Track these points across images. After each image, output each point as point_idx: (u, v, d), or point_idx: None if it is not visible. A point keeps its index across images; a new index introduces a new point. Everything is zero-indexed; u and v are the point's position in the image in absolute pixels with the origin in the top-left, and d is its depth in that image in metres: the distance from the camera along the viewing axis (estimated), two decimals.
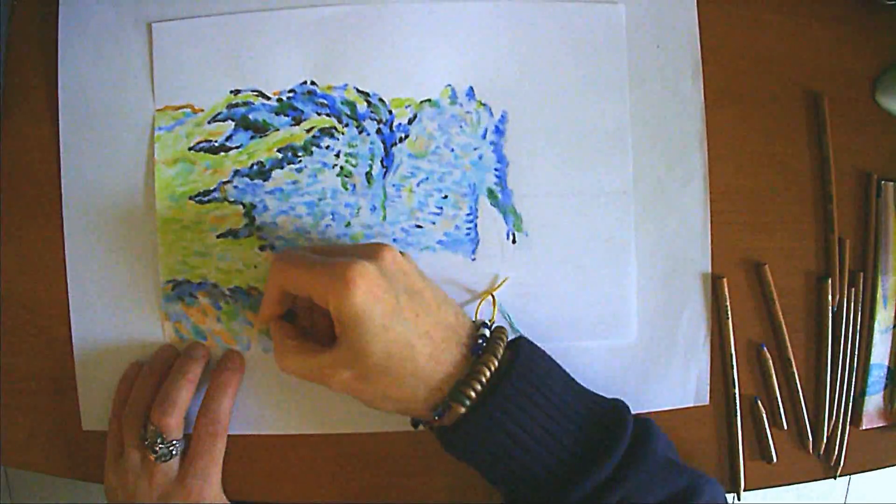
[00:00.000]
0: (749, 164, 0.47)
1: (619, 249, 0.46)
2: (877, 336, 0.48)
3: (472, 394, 0.37)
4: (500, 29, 0.45)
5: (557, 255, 0.46)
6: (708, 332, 0.47)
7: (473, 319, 0.41)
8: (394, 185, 0.45)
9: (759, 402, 0.47)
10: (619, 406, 0.40)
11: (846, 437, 0.47)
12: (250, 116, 0.45)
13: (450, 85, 0.45)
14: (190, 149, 0.45)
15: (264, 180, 0.45)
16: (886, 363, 0.48)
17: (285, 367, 0.39)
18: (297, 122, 0.45)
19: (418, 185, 0.45)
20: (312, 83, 0.45)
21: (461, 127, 0.45)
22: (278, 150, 0.45)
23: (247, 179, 0.45)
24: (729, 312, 0.46)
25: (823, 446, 0.47)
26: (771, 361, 0.47)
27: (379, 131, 0.45)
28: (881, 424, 0.48)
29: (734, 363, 0.47)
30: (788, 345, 0.47)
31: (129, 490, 0.42)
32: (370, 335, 0.35)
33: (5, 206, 0.46)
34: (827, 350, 0.47)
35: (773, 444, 0.47)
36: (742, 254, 0.47)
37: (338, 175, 0.45)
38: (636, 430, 0.38)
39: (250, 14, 0.45)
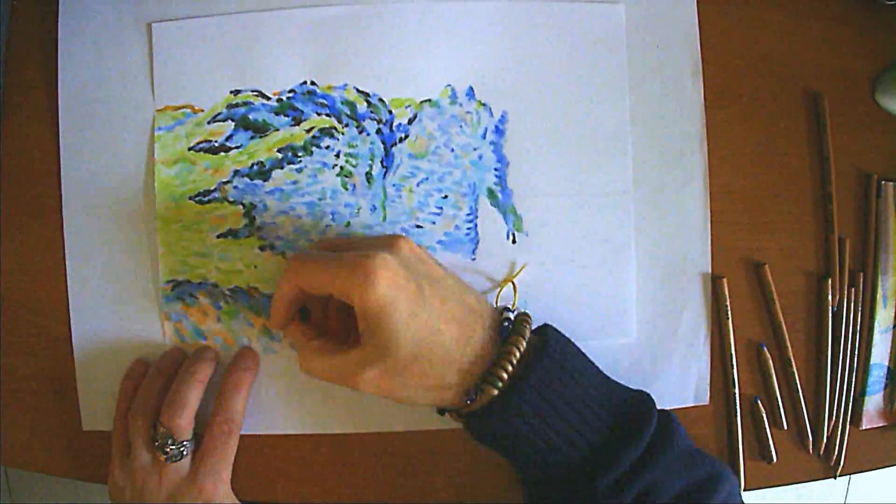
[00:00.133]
0: (749, 164, 0.47)
1: (619, 249, 0.46)
2: (877, 336, 0.48)
3: (504, 375, 0.37)
4: (500, 29, 0.45)
5: (557, 255, 0.46)
6: (708, 331, 0.47)
7: (495, 306, 0.41)
8: (394, 185, 0.45)
9: (759, 402, 0.47)
10: (645, 396, 0.40)
11: (846, 437, 0.47)
12: (250, 116, 0.45)
13: (450, 85, 0.45)
14: (190, 149, 0.45)
15: (264, 180, 0.45)
16: (886, 363, 0.48)
17: (311, 369, 0.39)
18: (297, 122, 0.45)
19: (418, 185, 0.45)
20: (312, 83, 0.45)
21: (461, 127, 0.45)
22: (278, 151, 0.45)
23: (247, 179, 0.45)
24: (729, 312, 0.46)
25: (823, 446, 0.47)
26: (771, 361, 0.47)
27: (379, 131, 0.45)
28: (881, 424, 0.48)
29: (734, 363, 0.47)
30: (788, 345, 0.47)
31: (138, 489, 0.42)
32: (398, 325, 0.35)
33: (5, 206, 0.46)
34: (827, 350, 0.47)
35: (773, 444, 0.47)
36: (742, 254, 0.47)
37: (338, 175, 0.45)
38: (661, 421, 0.39)
39: (250, 14, 0.45)
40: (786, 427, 0.47)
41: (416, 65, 0.45)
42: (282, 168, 0.45)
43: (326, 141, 0.45)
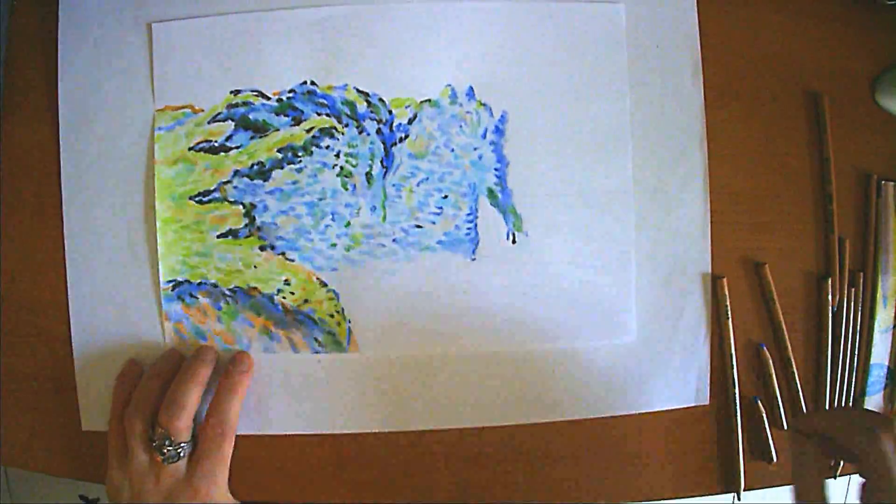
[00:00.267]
0: (749, 164, 0.47)
1: (619, 249, 0.46)
2: (877, 336, 0.48)
3: None
4: (500, 29, 0.45)
5: (557, 255, 0.46)
6: (708, 332, 0.47)
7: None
8: (394, 185, 0.45)
9: (759, 402, 0.47)
10: None
11: None
12: (250, 116, 0.45)
13: (450, 85, 0.45)
14: (190, 149, 0.45)
15: (264, 180, 0.45)
16: (886, 363, 0.48)
17: None
18: (297, 122, 0.45)
19: (418, 185, 0.45)
20: (312, 83, 0.45)
21: (461, 127, 0.45)
22: (278, 150, 0.45)
23: (247, 179, 0.45)
24: (729, 312, 0.46)
25: None
26: (771, 361, 0.47)
27: (379, 131, 0.45)
28: None
29: (734, 363, 0.47)
30: (788, 345, 0.47)
31: (136, 489, 0.42)
32: None
33: (5, 206, 0.46)
34: (827, 350, 0.47)
35: (773, 444, 0.47)
36: (742, 254, 0.47)
37: (338, 175, 0.45)
38: None
39: (250, 14, 0.45)
40: (785, 427, 0.47)
41: (416, 65, 0.45)
42: (282, 168, 0.45)
43: (326, 141, 0.45)
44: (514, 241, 0.46)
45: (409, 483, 0.46)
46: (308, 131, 0.45)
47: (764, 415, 0.47)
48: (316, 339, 0.45)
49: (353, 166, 0.45)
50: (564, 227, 0.46)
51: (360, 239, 0.45)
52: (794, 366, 0.47)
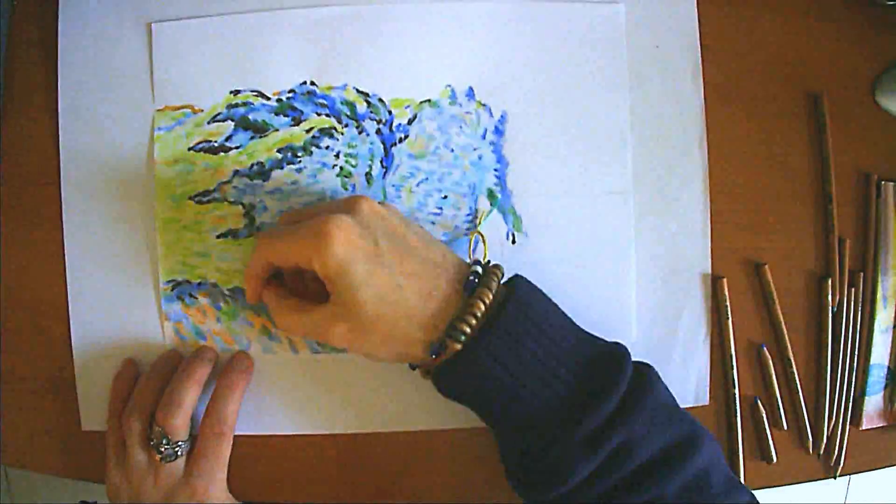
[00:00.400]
0: (749, 164, 0.47)
1: (619, 249, 0.46)
2: (877, 336, 0.48)
3: (468, 329, 0.36)
4: (500, 29, 0.45)
5: (557, 255, 0.46)
6: (708, 332, 0.47)
7: (468, 260, 0.41)
8: (393, 186, 0.45)
9: (759, 402, 0.47)
10: (618, 348, 0.39)
11: (846, 437, 0.47)
12: (250, 117, 0.45)
13: (449, 85, 0.45)
14: (190, 149, 0.45)
15: (264, 180, 0.45)
16: (886, 363, 0.48)
17: (285, 325, 0.40)
18: (297, 123, 0.45)
19: (418, 185, 0.45)
20: (312, 83, 0.45)
21: (461, 127, 0.45)
22: (278, 151, 0.45)
23: (246, 180, 0.45)
24: (729, 312, 0.46)
25: (823, 446, 0.47)
26: (771, 361, 0.47)
27: (378, 131, 0.45)
28: (881, 424, 0.48)
29: (734, 363, 0.47)
30: (788, 345, 0.47)
31: (134, 489, 0.42)
32: (357, 283, 0.36)
33: (5, 207, 0.46)
34: (827, 350, 0.47)
35: (773, 444, 0.47)
36: (742, 254, 0.47)
37: (337, 175, 0.45)
38: (637, 374, 0.38)
39: (250, 14, 0.45)
40: (786, 427, 0.47)
41: (416, 65, 0.45)
42: (282, 168, 0.45)
43: (326, 141, 0.45)
44: (513, 242, 0.46)
45: (409, 483, 0.46)
46: (308, 131, 0.45)
47: (764, 415, 0.47)
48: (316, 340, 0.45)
49: (353, 166, 0.45)
50: (564, 227, 0.46)
51: None
52: (794, 366, 0.47)
